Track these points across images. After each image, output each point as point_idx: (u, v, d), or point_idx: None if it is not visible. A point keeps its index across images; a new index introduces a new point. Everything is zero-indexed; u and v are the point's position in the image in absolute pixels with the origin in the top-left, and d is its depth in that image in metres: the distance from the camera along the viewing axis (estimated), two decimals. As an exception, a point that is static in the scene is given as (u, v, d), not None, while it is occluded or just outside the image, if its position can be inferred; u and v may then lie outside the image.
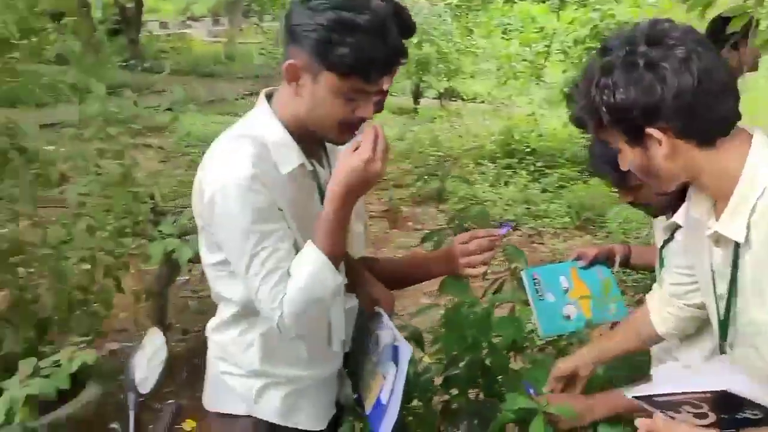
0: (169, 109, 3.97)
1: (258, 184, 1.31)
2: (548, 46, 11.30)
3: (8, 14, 3.14)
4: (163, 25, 20.57)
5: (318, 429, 1.54)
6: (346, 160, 1.32)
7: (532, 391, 1.56)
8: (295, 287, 1.33)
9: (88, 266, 2.94)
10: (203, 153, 1.45)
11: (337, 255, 1.37)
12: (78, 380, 2.61)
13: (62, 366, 2.39)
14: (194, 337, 3.89)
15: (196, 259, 2.27)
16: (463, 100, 12.28)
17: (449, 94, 11.80)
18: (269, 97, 1.44)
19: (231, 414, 1.52)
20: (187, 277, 4.22)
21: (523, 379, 1.68)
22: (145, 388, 1.45)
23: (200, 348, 1.61)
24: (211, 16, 21.85)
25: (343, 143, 1.39)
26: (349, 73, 1.28)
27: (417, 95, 11.38)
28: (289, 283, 1.34)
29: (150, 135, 7.35)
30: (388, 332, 1.50)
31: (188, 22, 21.59)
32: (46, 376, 2.39)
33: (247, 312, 1.45)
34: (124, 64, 12.85)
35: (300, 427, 1.52)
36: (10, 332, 2.77)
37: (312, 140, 1.43)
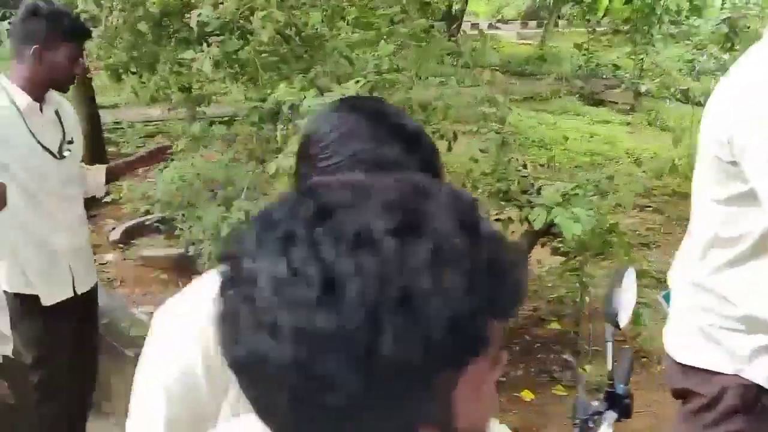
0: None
1: None
2: None
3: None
4: (474, 26, 21.45)
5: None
6: None
7: None
8: None
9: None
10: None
11: None
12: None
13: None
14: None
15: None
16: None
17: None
18: None
19: (711, 370, 1.42)
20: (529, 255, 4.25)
21: None
22: (622, 321, 1.44)
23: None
24: (520, 20, 22.32)
25: None
26: None
27: None
28: None
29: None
30: None
31: (497, 24, 22.24)
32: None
33: (759, 249, 1.32)
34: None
35: None
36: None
37: None
